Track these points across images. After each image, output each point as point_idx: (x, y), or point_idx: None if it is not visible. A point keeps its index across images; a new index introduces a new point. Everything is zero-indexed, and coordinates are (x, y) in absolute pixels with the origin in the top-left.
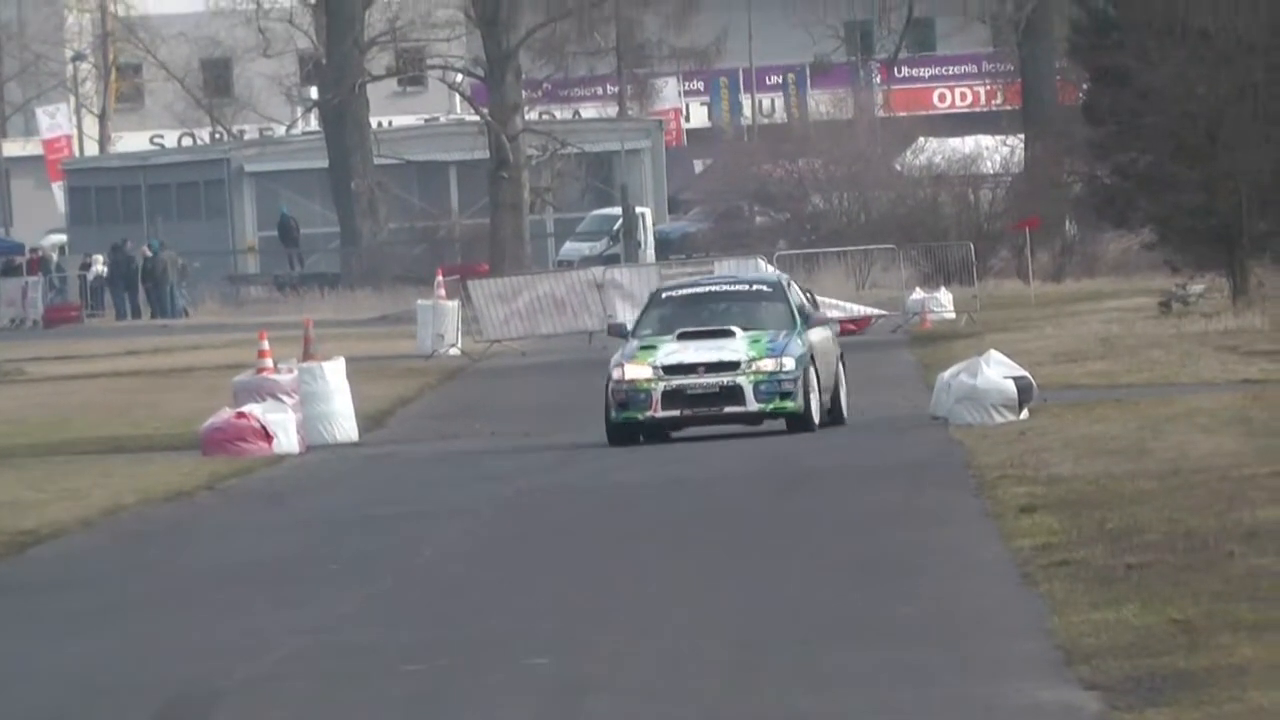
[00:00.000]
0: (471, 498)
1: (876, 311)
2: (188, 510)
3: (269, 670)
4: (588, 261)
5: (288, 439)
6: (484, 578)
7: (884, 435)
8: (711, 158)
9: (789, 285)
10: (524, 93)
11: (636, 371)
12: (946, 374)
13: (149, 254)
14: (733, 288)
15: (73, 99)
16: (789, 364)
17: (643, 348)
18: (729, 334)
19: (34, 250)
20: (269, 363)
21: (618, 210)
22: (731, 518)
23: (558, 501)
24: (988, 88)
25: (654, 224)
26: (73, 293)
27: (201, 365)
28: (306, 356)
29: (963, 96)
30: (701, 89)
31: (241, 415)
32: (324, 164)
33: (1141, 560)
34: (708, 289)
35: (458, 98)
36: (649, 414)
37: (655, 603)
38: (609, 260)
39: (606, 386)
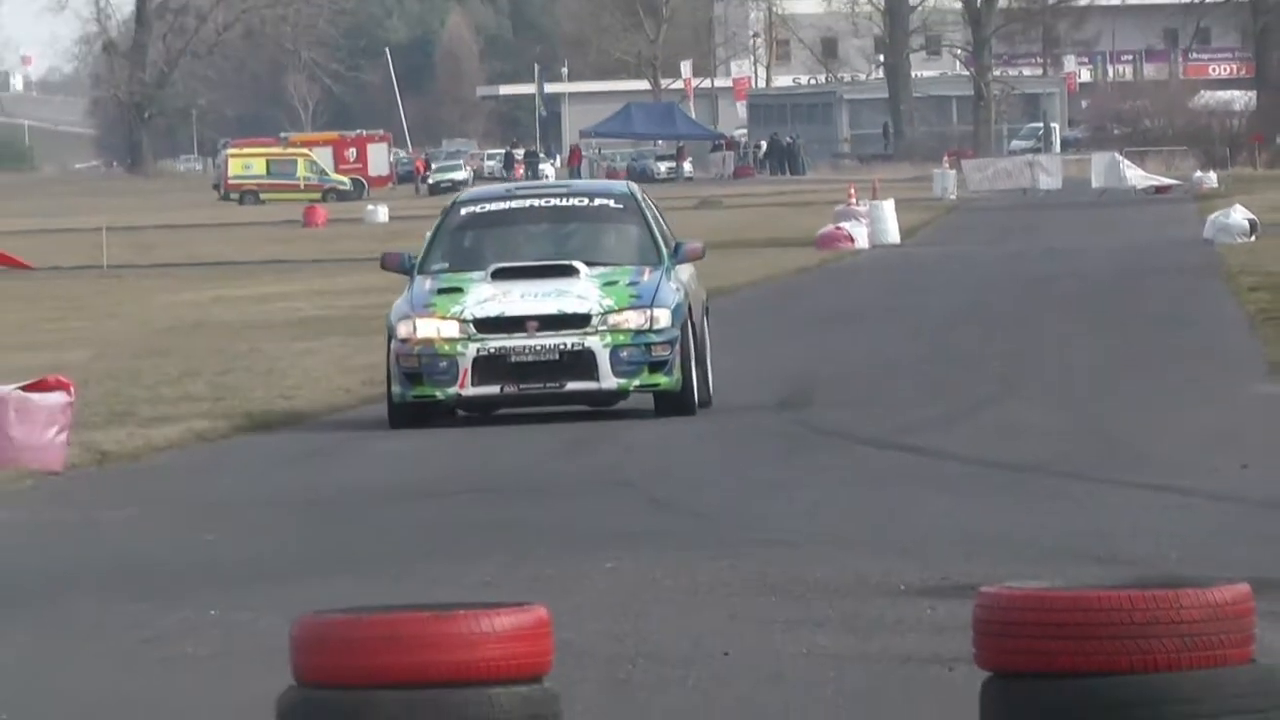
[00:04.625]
0: (951, 281)
1: (1177, 181)
2: (807, 277)
3: (845, 371)
4: (1024, 149)
5: (862, 241)
6: (943, 329)
7: (1178, 251)
8: (1090, 98)
9: (644, 199)
10: (992, 59)
11: (433, 327)
12: (1212, 215)
13: (791, 140)
14: (566, 202)
15: (751, 56)
16: (663, 318)
17: (442, 290)
18: (570, 271)
19: (729, 137)
20: (853, 199)
21: (1040, 124)
22: (1087, 295)
23: (993, 282)
24: (1238, 64)
25: (1060, 132)
26: (750, 160)
27: (816, 201)
28: (873, 198)
29: (1225, 69)
30: (1086, 60)
31: (838, 228)
32: (884, 95)
33: None
34: (528, 203)
35: (958, 62)
36: (454, 391)
37: (1025, 353)
38: (1035, 150)
39: (388, 349)
